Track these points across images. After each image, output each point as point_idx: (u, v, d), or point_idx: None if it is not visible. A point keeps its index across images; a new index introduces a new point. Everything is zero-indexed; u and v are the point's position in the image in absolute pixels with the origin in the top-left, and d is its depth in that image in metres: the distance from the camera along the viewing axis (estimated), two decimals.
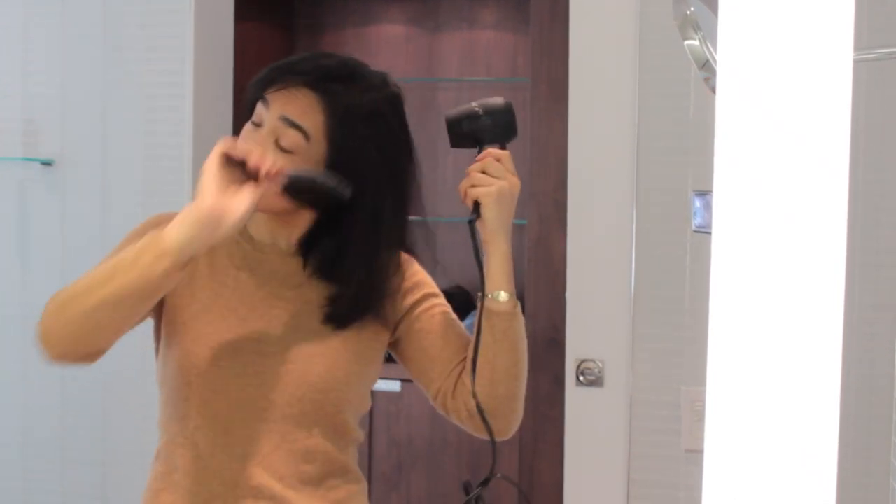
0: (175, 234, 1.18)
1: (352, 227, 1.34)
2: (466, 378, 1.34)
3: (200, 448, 1.34)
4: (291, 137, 1.30)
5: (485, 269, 1.33)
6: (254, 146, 1.26)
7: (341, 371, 1.35)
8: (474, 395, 1.30)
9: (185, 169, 2.33)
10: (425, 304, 1.42)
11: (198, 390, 1.33)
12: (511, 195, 1.33)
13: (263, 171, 1.22)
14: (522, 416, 1.37)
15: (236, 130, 1.40)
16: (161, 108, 2.37)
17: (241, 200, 1.19)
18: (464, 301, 3.00)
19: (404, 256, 1.44)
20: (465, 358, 1.36)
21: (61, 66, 2.43)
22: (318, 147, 1.31)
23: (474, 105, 1.37)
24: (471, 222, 1.33)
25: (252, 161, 1.22)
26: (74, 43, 2.42)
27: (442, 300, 1.43)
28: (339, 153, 1.32)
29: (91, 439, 2.43)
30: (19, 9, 2.45)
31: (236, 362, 1.33)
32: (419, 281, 1.44)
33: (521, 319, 1.35)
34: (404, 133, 1.39)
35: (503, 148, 1.36)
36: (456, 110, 1.37)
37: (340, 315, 1.35)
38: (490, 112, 1.37)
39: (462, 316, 1.52)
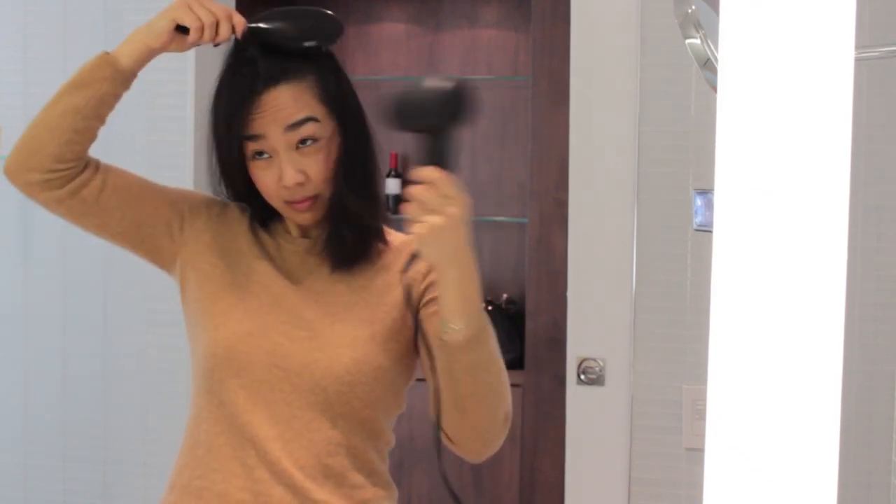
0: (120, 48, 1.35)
1: (354, 170, 1.35)
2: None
3: (223, 425, 1.32)
4: (308, 131, 1.29)
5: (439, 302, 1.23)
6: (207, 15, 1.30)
7: (368, 365, 1.33)
8: (439, 428, 1.27)
9: (187, 167, 2.33)
10: (434, 308, 1.40)
11: (223, 364, 1.32)
12: (451, 227, 1.13)
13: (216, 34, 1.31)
14: (506, 429, 1.30)
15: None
16: (163, 107, 2.37)
17: (182, 42, 1.33)
18: None
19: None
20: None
21: (63, 64, 2.43)
22: (329, 120, 1.32)
23: (418, 84, 1.20)
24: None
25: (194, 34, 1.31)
26: (75, 42, 2.42)
27: None
28: (342, 110, 1.33)
29: (91, 438, 2.43)
30: (20, 7, 2.45)
31: (266, 340, 1.32)
32: (434, 280, 1.42)
33: (483, 344, 1.22)
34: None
35: (443, 135, 1.17)
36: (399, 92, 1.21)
37: (344, 252, 1.34)
38: (426, 96, 1.18)
39: None
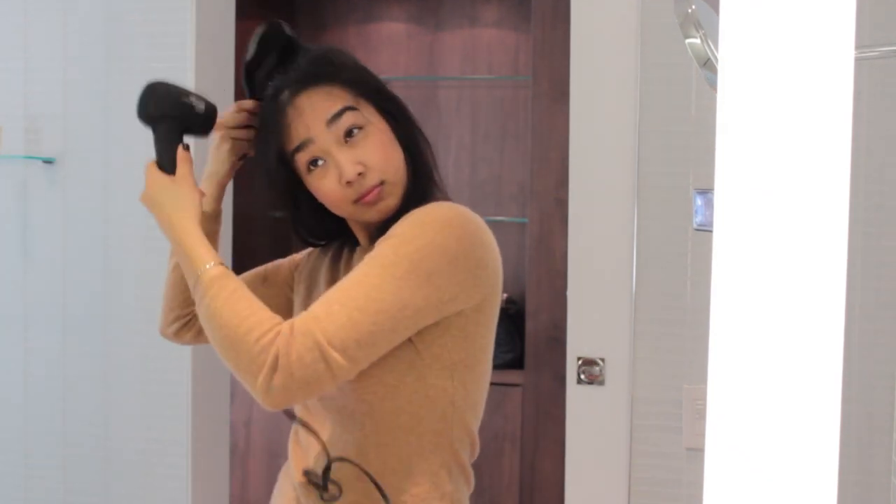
0: None
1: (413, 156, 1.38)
2: None
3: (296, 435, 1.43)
4: (349, 120, 1.31)
5: None
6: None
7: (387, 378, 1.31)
8: None
9: None
10: None
11: None
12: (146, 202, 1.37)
13: None
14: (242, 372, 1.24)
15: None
16: None
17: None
18: None
19: None
20: None
21: (63, 64, 2.43)
22: (366, 106, 1.33)
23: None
24: None
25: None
26: (76, 41, 2.42)
27: None
28: (375, 94, 1.35)
29: (91, 438, 2.43)
30: (21, 6, 2.45)
31: None
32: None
33: (198, 303, 1.27)
34: None
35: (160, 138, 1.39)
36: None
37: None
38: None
39: None
